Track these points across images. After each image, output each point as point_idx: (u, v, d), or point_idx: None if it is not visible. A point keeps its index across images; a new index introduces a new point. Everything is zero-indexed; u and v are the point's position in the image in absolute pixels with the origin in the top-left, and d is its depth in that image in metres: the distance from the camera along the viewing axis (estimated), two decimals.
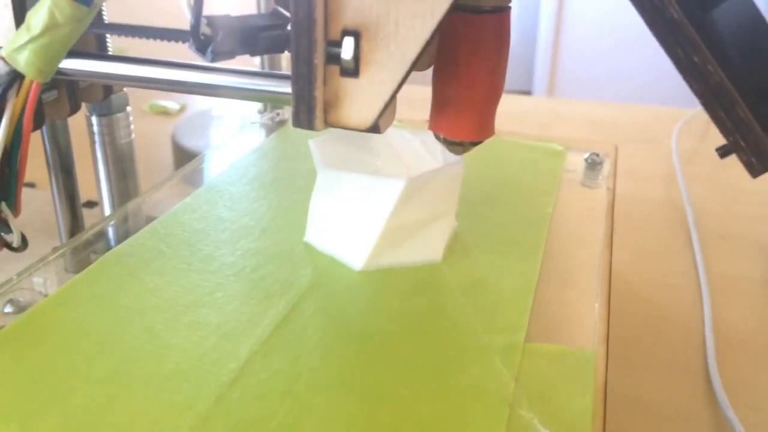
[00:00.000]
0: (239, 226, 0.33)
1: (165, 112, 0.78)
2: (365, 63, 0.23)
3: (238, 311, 0.27)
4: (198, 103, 0.81)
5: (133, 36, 0.31)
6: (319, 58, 0.23)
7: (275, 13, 0.26)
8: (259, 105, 0.64)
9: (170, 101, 0.80)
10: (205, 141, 0.62)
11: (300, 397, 0.23)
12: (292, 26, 0.23)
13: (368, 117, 0.24)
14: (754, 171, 0.25)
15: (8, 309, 0.28)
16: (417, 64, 0.25)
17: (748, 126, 0.24)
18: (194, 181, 0.39)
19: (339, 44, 0.23)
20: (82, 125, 0.38)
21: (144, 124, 0.74)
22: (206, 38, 0.24)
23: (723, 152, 0.25)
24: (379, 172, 0.34)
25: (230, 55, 0.25)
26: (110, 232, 0.35)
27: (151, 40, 0.34)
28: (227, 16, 0.25)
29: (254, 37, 0.25)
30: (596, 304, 0.29)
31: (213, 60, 0.25)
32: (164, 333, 0.25)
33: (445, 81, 0.27)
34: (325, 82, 0.24)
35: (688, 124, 0.74)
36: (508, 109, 0.85)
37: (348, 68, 0.23)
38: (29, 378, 0.23)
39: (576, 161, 0.42)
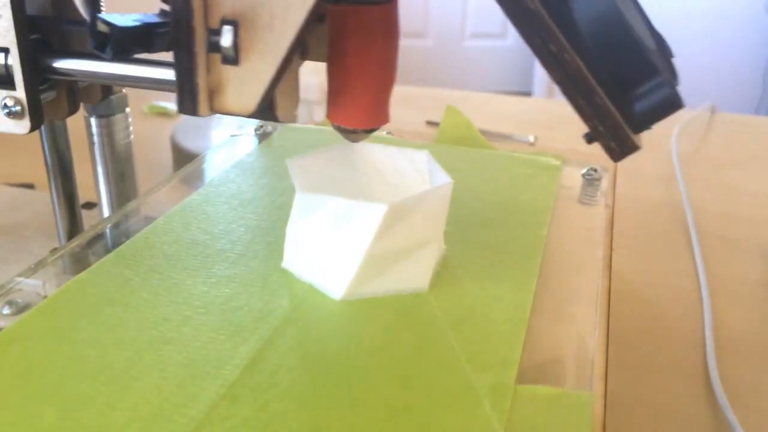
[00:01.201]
0: (213, 250, 0.31)
1: (164, 113, 0.78)
2: (244, 51, 0.24)
3: (206, 348, 0.25)
4: None
5: None
6: (199, 47, 0.24)
7: (162, 12, 0.26)
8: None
9: (170, 102, 0.79)
10: (205, 142, 0.62)
11: None
12: (171, 16, 0.24)
13: (250, 103, 0.25)
14: (615, 155, 0.26)
15: (6, 310, 0.28)
16: (318, 55, 0.28)
17: (605, 112, 0.25)
18: (193, 182, 0.39)
19: (219, 33, 0.24)
20: (81, 126, 0.38)
21: (143, 126, 0.74)
22: (104, 37, 0.24)
23: (588, 138, 0.26)
24: (362, 192, 0.32)
25: (129, 53, 0.26)
26: (109, 233, 0.35)
27: None
28: (120, 15, 0.25)
29: (149, 34, 0.25)
30: (593, 338, 0.27)
31: (113, 58, 0.26)
32: (124, 373, 0.23)
33: (337, 71, 0.27)
34: (208, 71, 0.25)
35: (687, 125, 0.75)
36: (508, 109, 0.84)
37: (228, 56, 0.24)
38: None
39: (573, 176, 0.40)
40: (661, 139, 0.71)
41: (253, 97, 0.25)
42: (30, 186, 0.55)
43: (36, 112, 0.30)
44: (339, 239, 0.28)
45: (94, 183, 0.39)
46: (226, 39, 0.24)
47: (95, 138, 0.38)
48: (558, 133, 0.74)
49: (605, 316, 0.29)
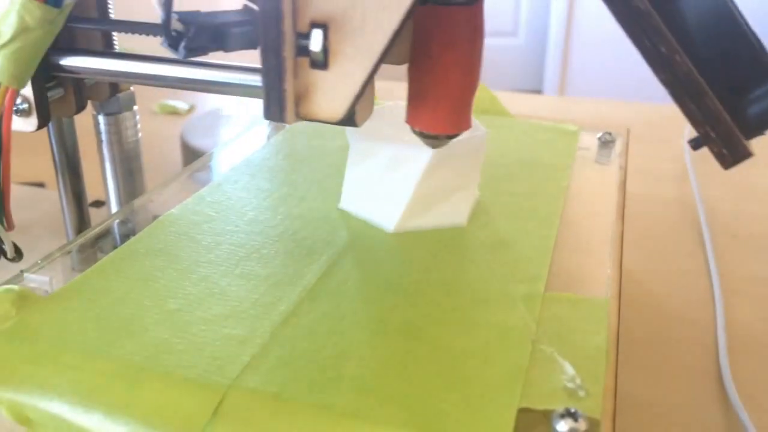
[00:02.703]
0: (279, 194, 0.36)
1: (174, 112, 0.78)
2: (334, 55, 0.24)
3: (284, 265, 0.29)
4: (207, 102, 0.81)
5: (118, 31, 0.31)
6: (287, 51, 0.24)
7: (246, 9, 0.25)
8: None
9: (179, 101, 0.80)
10: (214, 140, 0.62)
11: (345, 334, 0.25)
12: (260, 19, 0.23)
13: (339, 109, 0.24)
14: (726, 162, 0.25)
15: None
16: (392, 58, 0.27)
17: (718, 117, 0.24)
18: (203, 179, 0.39)
19: (308, 36, 0.23)
20: (88, 124, 0.38)
21: (153, 124, 0.75)
22: (178, 34, 0.24)
23: (695, 144, 0.25)
24: (408, 143, 0.36)
25: (203, 51, 0.25)
26: (116, 229, 0.35)
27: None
28: (198, 12, 0.25)
29: (226, 33, 0.25)
30: (608, 268, 0.31)
31: (186, 56, 0.25)
32: (220, 282, 0.28)
33: (420, 74, 0.27)
34: (295, 75, 0.24)
35: None
36: (518, 107, 0.85)
37: (317, 60, 0.24)
38: (102, 318, 0.26)
39: (589, 141, 0.44)
40: (673, 136, 0.71)
41: (341, 103, 0.24)
42: (40, 185, 0.55)
43: (43, 110, 0.31)
44: (390, 180, 0.33)
45: (102, 181, 0.39)
46: (315, 43, 0.23)
47: (103, 136, 0.38)
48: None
49: (618, 251, 0.33)
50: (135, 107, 0.38)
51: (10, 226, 0.29)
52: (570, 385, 0.23)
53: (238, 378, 0.23)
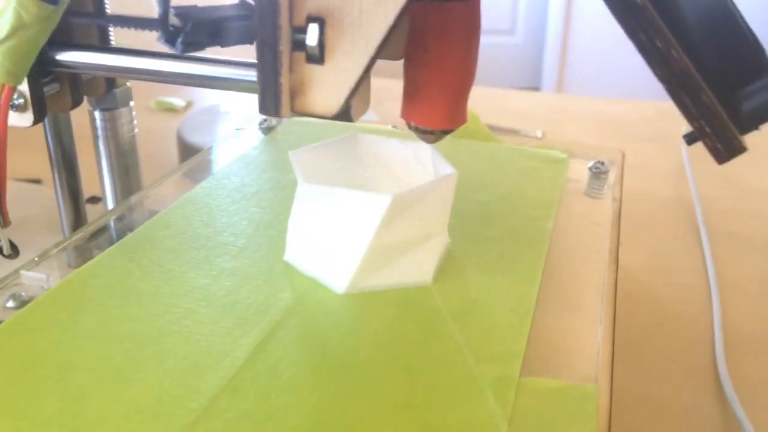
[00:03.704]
0: (216, 243, 0.30)
1: (171, 109, 0.78)
2: (330, 50, 0.24)
3: (207, 340, 0.24)
4: (204, 99, 0.80)
5: (114, 25, 0.32)
6: (284, 45, 0.24)
7: (242, 4, 0.26)
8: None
9: (176, 98, 0.79)
10: (211, 137, 0.61)
11: None
12: (256, 13, 0.23)
13: (334, 104, 0.24)
14: (721, 158, 0.25)
15: (11, 303, 0.27)
16: (388, 54, 0.26)
17: (713, 112, 0.24)
18: (198, 175, 0.38)
19: (304, 31, 0.23)
20: (84, 120, 0.38)
21: (150, 121, 0.74)
22: (175, 29, 0.24)
23: (690, 139, 0.25)
24: (366, 184, 0.31)
25: (199, 46, 0.25)
26: (113, 226, 0.35)
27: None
28: (195, 7, 0.25)
29: (222, 27, 0.25)
30: (599, 331, 0.27)
31: (183, 51, 0.25)
32: (124, 365, 0.23)
33: (416, 69, 0.27)
34: (291, 69, 0.24)
35: None
36: (516, 105, 0.83)
37: (313, 55, 0.24)
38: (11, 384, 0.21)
39: (580, 169, 0.39)
40: (669, 134, 0.70)
41: (337, 98, 0.24)
42: (37, 181, 0.55)
43: (39, 105, 0.30)
44: (342, 232, 0.28)
45: (98, 177, 0.39)
46: (311, 37, 0.23)
47: (99, 132, 0.38)
48: (566, 128, 0.74)
49: (611, 308, 0.28)
50: (131, 103, 0.38)
51: (6, 223, 0.29)
52: None
53: None
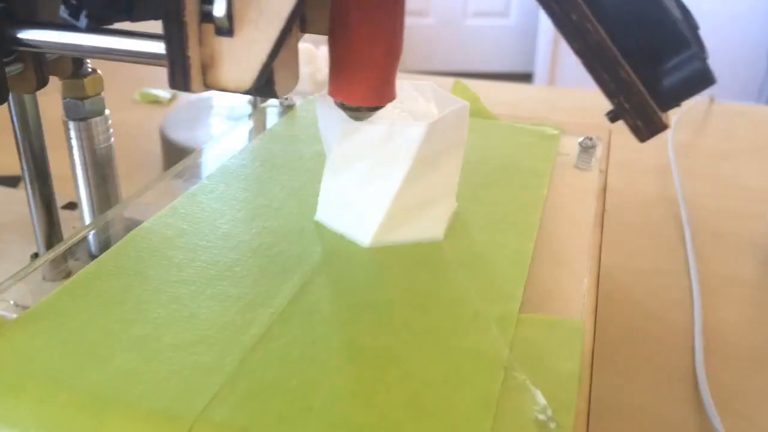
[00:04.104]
0: (254, 205, 0.35)
1: (156, 101, 0.77)
2: (239, 21, 0.23)
3: (256, 284, 0.29)
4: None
5: None
6: (189, 16, 0.23)
7: None
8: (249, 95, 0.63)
9: (162, 90, 0.78)
10: (195, 134, 0.61)
11: (316, 360, 0.25)
12: None
13: (246, 78, 0.24)
14: (641, 135, 0.24)
15: None
16: (315, 27, 0.26)
17: (631, 88, 0.23)
18: (181, 185, 0.38)
19: (211, 1, 0.23)
20: (60, 128, 0.37)
21: (134, 114, 0.73)
22: (78, 3, 0.23)
23: (612, 116, 0.25)
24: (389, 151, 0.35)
25: (106, 21, 0.24)
26: (91, 239, 0.35)
27: None
28: None
29: (129, 1, 0.24)
30: (585, 280, 0.31)
31: (88, 26, 0.24)
32: (190, 303, 0.28)
33: (339, 45, 0.26)
34: (200, 42, 0.23)
35: (685, 115, 0.74)
36: (506, 97, 0.86)
37: (222, 27, 0.23)
38: (68, 343, 0.25)
39: (570, 145, 0.44)
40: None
41: (249, 72, 0.23)
42: (17, 178, 0.54)
43: (1, 86, 0.29)
44: (367, 192, 0.32)
45: (74, 187, 0.38)
46: (218, 8, 0.22)
47: (74, 142, 0.37)
48: (555, 122, 0.77)
49: (596, 262, 0.33)
50: (107, 112, 0.37)
51: None
52: (541, 417, 0.23)
53: (204, 411, 0.23)
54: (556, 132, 0.45)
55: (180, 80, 0.24)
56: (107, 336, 0.26)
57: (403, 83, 0.35)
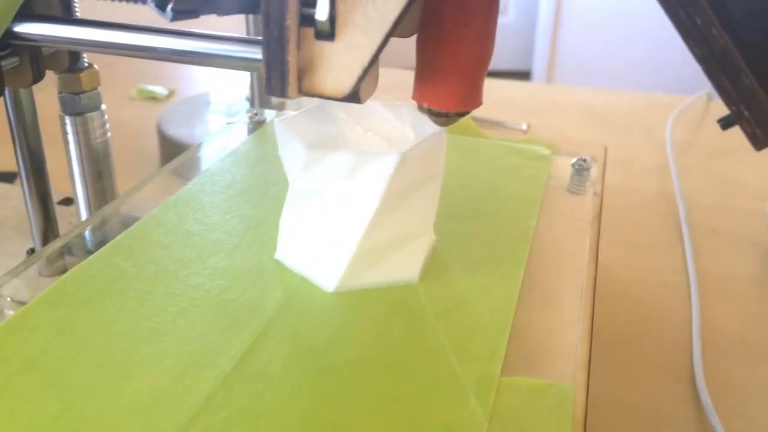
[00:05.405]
0: (209, 241, 0.31)
1: (153, 98, 0.76)
2: (342, 25, 0.22)
3: (201, 340, 0.25)
4: (189, 88, 0.79)
5: None
6: (291, 20, 0.22)
7: None
8: (246, 92, 0.62)
9: (158, 86, 0.78)
10: (192, 130, 0.60)
11: None
12: None
13: (346, 84, 0.23)
14: (758, 143, 0.24)
15: None
16: (400, 29, 0.24)
17: (753, 95, 0.23)
18: (187, 173, 0.38)
19: (313, 4, 0.22)
20: (56, 123, 0.37)
21: (130, 111, 0.73)
22: None
23: (725, 123, 0.24)
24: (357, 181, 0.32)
25: (193, 14, 0.24)
26: (87, 235, 0.34)
27: (123, 3, 0.33)
28: None
29: None
30: (577, 329, 0.28)
31: (174, 19, 0.23)
32: (122, 365, 0.24)
33: (430, 47, 0.25)
34: (299, 47, 0.22)
35: (683, 113, 0.74)
36: (503, 95, 0.84)
37: (323, 31, 0.22)
38: None
39: (563, 165, 0.41)
40: (655, 127, 0.71)
41: (349, 78, 0.22)
42: (13, 174, 0.54)
43: None
44: (333, 229, 0.28)
45: (71, 182, 0.38)
46: (321, 11, 0.22)
47: (70, 137, 0.37)
48: (552, 120, 0.74)
49: (590, 307, 0.29)
50: (103, 107, 0.37)
51: None
52: None
53: None
54: (547, 152, 0.41)
55: (277, 85, 0.23)
56: (17, 408, 0.22)
57: (376, 105, 0.32)
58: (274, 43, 0.22)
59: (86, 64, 0.36)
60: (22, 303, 0.27)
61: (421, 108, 0.26)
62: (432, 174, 0.30)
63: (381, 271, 0.29)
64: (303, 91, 0.23)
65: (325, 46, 0.22)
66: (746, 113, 0.23)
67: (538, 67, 2.29)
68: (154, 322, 0.26)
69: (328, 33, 0.22)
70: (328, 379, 0.24)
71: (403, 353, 0.26)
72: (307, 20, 0.22)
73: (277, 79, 0.23)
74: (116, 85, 0.76)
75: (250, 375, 0.24)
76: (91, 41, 0.28)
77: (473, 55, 0.25)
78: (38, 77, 0.32)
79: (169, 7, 0.22)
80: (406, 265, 0.29)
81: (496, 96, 0.81)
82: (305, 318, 0.27)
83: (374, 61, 0.22)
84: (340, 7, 0.22)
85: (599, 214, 0.37)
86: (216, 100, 0.67)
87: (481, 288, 0.29)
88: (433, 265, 0.31)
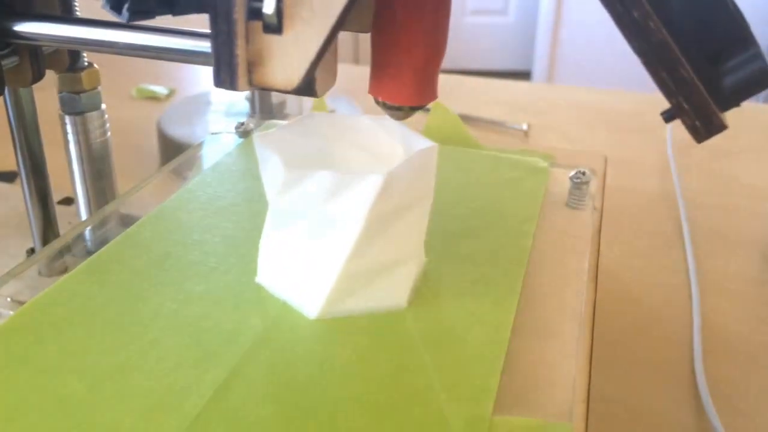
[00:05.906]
0: (185, 263, 0.30)
1: (153, 97, 0.76)
2: (289, 18, 0.22)
3: (171, 375, 0.24)
4: (189, 87, 0.79)
5: None
6: (239, 13, 0.22)
7: None
8: (247, 92, 0.61)
9: (159, 86, 0.77)
10: (192, 130, 0.60)
11: None
12: None
13: (295, 76, 0.23)
14: (699, 136, 0.24)
15: None
16: (356, 25, 0.25)
17: (691, 87, 0.23)
18: (183, 173, 0.38)
19: None
20: (56, 123, 0.37)
21: (131, 110, 0.73)
22: None
23: (667, 116, 0.24)
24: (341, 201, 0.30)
25: (148, 14, 0.24)
26: (87, 235, 0.34)
27: None
28: None
29: None
30: (575, 361, 0.26)
31: (130, 19, 0.24)
32: (83, 404, 0.22)
33: (383, 42, 0.26)
34: (247, 40, 0.23)
35: None
36: (504, 96, 0.83)
37: (271, 24, 0.22)
38: None
39: (561, 178, 0.39)
40: (656, 127, 0.70)
41: (297, 71, 0.23)
42: (13, 173, 0.54)
43: None
44: (315, 252, 0.27)
45: (71, 181, 0.38)
46: (268, 5, 0.22)
47: (70, 137, 0.37)
48: (552, 120, 0.73)
49: (589, 336, 0.28)
50: (103, 106, 0.37)
51: None
52: None
53: None
54: (545, 165, 0.39)
55: (226, 79, 0.23)
56: None
57: (364, 119, 0.30)
58: (222, 36, 0.22)
59: (86, 64, 0.36)
60: (21, 303, 0.27)
61: (377, 102, 0.27)
62: (421, 194, 0.28)
63: (366, 297, 0.27)
64: (254, 84, 0.24)
65: (273, 39, 0.23)
66: (685, 105, 0.23)
67: (538, 67, 2.27)
68: (122, 356, 0.24)
69: (275, 26, 0.22)
70: (304, 422, 0.22)
71: (388, 392, 0.24)
72: (255, 14, 0.22)
73: (226, 72, 0.23)
74: (116, 85, 0.76)
75: (221, 417, 0.22)
76: (91, 40, 0.28)
77: (425, 49, 0.25)
78: (38, 77, 0.32)
79: (125, 7, 0.23)
80: (393, 291, 0.28)
81: (496, 96, 0.80)
82: (284, 351, 0.25)
83: (322, 54, 0.22)
84: (287, 1, 0.22)
85: (599, 230, 0.36)
86: (216, 99, 0.67)
87: (473, 315, 0.27)
88: (423, 288, 0.29)
